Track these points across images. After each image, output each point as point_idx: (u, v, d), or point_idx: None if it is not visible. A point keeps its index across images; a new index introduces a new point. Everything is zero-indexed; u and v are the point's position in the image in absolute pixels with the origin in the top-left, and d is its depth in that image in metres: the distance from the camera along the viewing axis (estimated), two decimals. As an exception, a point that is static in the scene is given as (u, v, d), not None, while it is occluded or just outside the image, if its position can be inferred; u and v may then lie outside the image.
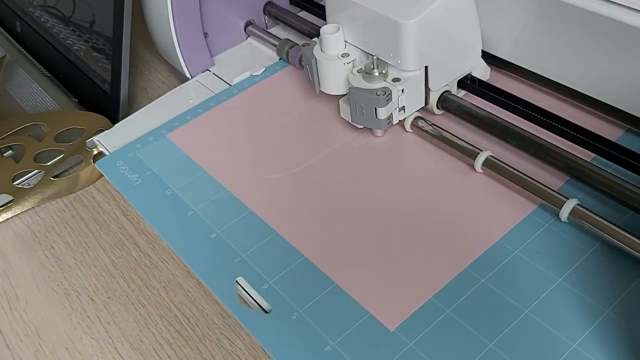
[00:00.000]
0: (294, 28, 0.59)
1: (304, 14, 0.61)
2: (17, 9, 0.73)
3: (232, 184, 0.45)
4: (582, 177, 0.40)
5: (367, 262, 0.39)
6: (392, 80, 0.44)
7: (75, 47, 0.63)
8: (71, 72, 0.64)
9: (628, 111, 0.42)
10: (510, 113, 0.45)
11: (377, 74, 0.44)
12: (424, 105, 0.47)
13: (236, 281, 0.38)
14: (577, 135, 0.42)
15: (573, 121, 0.43)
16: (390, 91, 0.43)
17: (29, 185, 0.53)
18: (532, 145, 0.42)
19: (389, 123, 0.45)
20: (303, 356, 0.34)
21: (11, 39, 0.74)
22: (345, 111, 0.47)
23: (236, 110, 0.52)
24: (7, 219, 0.51)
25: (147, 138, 0.50)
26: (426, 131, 0.46)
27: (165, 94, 0.56)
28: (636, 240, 0.36)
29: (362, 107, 0.44)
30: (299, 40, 0.58)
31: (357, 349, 0.34)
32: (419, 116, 0.47)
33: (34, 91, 0.64)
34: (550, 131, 0.43)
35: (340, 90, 0.47)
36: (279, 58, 0.57)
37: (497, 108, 0.46)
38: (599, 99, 0.43)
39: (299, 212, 0.43)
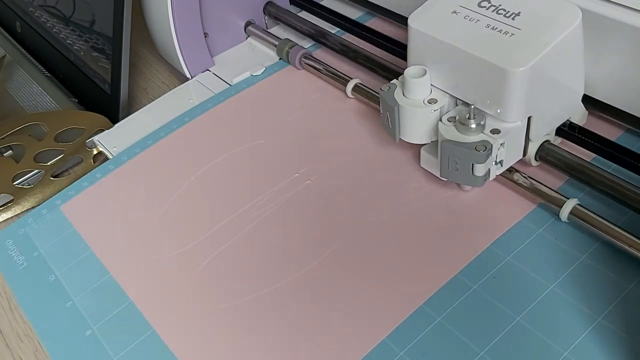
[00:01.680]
0: (294, 28, 0.59)
1: (304, 14, 0.61)
2: (17, 9, 0.73)
3: (116, 268, 0.42)
4: (582, 176, 0.40)
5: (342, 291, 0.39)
6: (491, 131, 0.38)
7: (75, 47, 0.63)
8: (71, 72, 0.64)
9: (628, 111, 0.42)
10: (610, 162, 0.41)
11: (474, 125, 0.38)
12: (521, 156, 0.41)
13: None
14: (577, 135, 0.42)
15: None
16: (491, 145, 0.38)
17: (29, 185, 0.53)
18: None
19: (485, 180, 0.40)
20: None
21: (11, 39, 0.74)
22: (429, 162, 0.43)
23: (137, 175, 0.49)
24: (7, 219, 0.51)
25: (40, 211, 0.47)
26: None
27: (165, 94, 0.56)
28: (636, 240, 0.36)
29: (456, 162, 0.39)
30: (299, 40, 0.58)
31: None
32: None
33: (34, 91, 0.64)
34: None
35: (425, 140, 0.42)
36: (279, 58, 0.57)
37: (594, 155, 0.42)
38: (599, 99, 0.43)
39: (189, 310, 0.39)
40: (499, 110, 0.38)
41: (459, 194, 0.42)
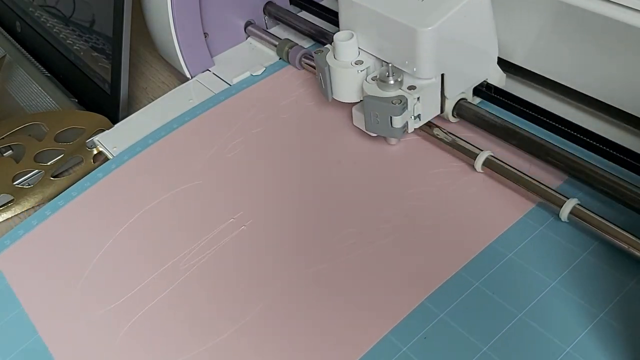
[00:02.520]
0: (294, 28, 0.59)
1: (304, 14, 0.61)
2: (17, 9, 0.73)
3: (45, 327, 0.40)
4: (582, 176, 0.40)
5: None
6: (408, 88, 0.43)
7: (75, 47, 0.63)
8: (71, 72, 0.64)
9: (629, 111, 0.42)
10: (526, 121, 0.44)
11: (392, 82, 0.42)
12: (439, 113, 0.46)
13: None
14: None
15: (575, 122, 0.43)
16: (406, 99, 0.42)
17: (29, 185, 0.53)
18: (532, 145, 0.42)
19: (404, 132, 0.44)
20: None
21: (11, 39, 0.74)
22: (358, 119, 0.46)
23: (70, 222, 0.47)
24: (7, 219, 0.51)
25: None
26: (426, 132, 0.46)
27: (166, 94, 0.56)
28: (636, 239, 0.36)
29: (377, 116, 0.43)
30: (299, 40, 0.58)
31: None
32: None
33: (34, 91, 0.64)
34: (541, 126, 0.43)
35: (354, 98, 0.46)
36: (279, 58, 0.57)
37: (512, 115, 0.45)
38: (601, 99, 0.43)
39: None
40: (414, 69, 0.42)
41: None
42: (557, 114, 0.43)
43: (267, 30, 0.61)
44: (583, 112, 0.45)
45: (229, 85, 0.55)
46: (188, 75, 0.57)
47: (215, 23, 0.57)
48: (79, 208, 0.47)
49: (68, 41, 0.64)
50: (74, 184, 0.50)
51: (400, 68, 0.43)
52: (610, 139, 0.41)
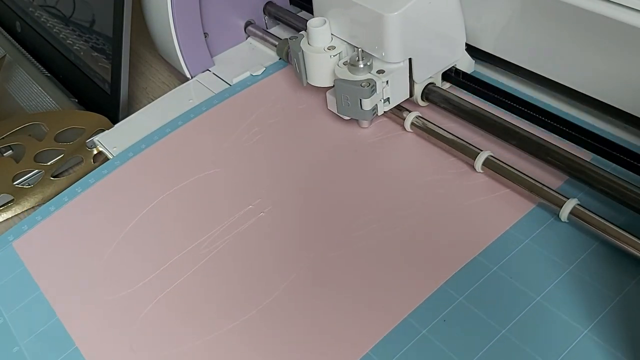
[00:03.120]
0: (294, 28, 0.59)
1: (304, 14, 0.61)
2: (17, 9, 0.73)
3: (64, 309, 0.41)
4: (582, 176, 0.40)
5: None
6: (377, 72, 0.45)
7: (75, 47, 0.63)
8: (71, 72, 0.64)
9: (623, 109, 0.42)
10: (493, 105, 0.46)
11: (362, 65, 0.44)
12: (408, 97, 0.47)
13: None
14: (577, 135, 0.42)
15: (573, 121, 0.43)
16: (375, 82, 0.44)
17: (29, 185, 0.53)
18: (532, 145, 0.42)
19: (374, 114, 0.46)
20: None
21: (11, 39, 0.74)
22: (331, 103, 0.48)
23: (96, 202, 0.48)
24: (7, 219, 0.51)
25: None
26: (426, 130, 0.46)
27: (166, 94, 0.56)
28: (636, 240, 0.36)
29: (347, 99, 0.45)
30: (298, 40, 0.58)
31: None
32: (419, 116, 0.47)
33: (34, 91, 0.64)
34: (551, 131, 0.43)
35: (327, 83, 0.48)
36: (279, 58, 0.57)
37: (481, 101, 0.47)
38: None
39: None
40: (383, 54, 0.44)
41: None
42: (524, 99, 0.45)
43: (267, 30, 0.61)
44: (551, 97, 0.47)
45: (229, 85, 0.55)
46: (188, 75, 0.57)
47: (215, 23, 0.57)
48: (94, 197, 0.48)
49: (68, 41, 0.64)
50: (73, 183, 0.50)
51: (370, 53, 0.45)
52: (577, 123, 0.43)
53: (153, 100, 0.55)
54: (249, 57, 0.58)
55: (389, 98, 0.46)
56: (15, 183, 0.53)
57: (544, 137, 0.42)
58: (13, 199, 0.52)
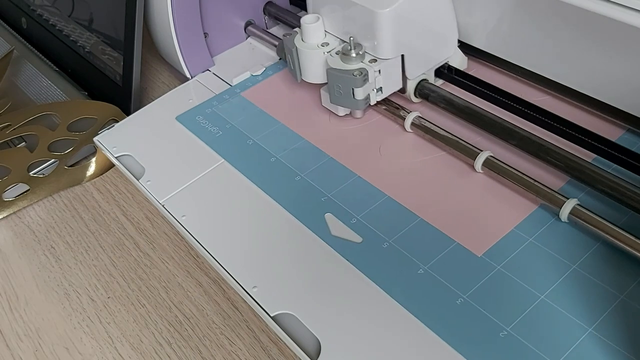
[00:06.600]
0: (294, 28, 0.59)
1: (304, 14, 0.61)
2: (22, 4, 0.73)
3: (309, 135, 0.48)
4: (582, 177, 0.40)
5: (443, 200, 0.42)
6: (369, 61, 0.45)
7: (84, 39, 0.63)
8: (80, 66, 0.64)
9: (624, 109, 0.42)
10: (486, 102, 0.47)
11: (354, 55, 0.45)
12: (400, 87, 0.48)
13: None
14: (577, 135, 0.42)
15: (573, 121, 0.43)
16: (367, 71, 0.44)
17: (44, 174, 0.53)
18: (532, 145, 0.42)
19: (366, 104, 0.46)
20: (397, 279, 0.37)
21: (17, 35, 0.74)
22: (326, 99, 0.48)
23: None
24: (23, 207, 0.51)
25: (222, 96, 0.54)
26: (426, 131, 0.46)
27: (165, 94, 0.56)
28: (636, 240, 0.36)
29: (340, 88, 0.45)
30: (299, 40, 0.58)
31: (448, 272, 0.37)
32: (419, 116, 0.47)
33: (44, 85, 0.64)
34: (551, 131, 0.43)
35: (321, 79, 0.48)
36: (279, 58, 0.57)
37: (474, 97, 0.48)
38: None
39: (374, 159, 0.45)
40: (376, 50, 0.45)
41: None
42: (516, 95, 0.45)
43: (267, 30, 0.61)
44: (545, 94, 0.47)
45: (229, 86, 0.55)
46: (188, 75, 0.57)
47: (215, 23, 0.57)
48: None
49: (76, 34, 0.64)
50: (88, 171, 0.53)
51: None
52: (568, 118, 0.43)
53: (153, 100, 0.55)
54: (249, 57, 0.58)
55: (381, 87, 0.46)
56: (30, 172, 0.53)
57: (545, 137, 0.42)
58: (29, 189, 0.52)
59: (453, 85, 0.49)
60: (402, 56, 0.46)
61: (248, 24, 0.60)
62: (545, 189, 0.40)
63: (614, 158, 0.40)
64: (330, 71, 0.45)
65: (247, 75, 0.56)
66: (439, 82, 0.50)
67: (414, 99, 0.49)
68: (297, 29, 0.49)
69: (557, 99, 0.47)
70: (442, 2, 0.46)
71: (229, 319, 0.42)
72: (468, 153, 0.43)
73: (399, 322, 0.35)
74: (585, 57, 0.42)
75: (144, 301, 0.44)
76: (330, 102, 0.47)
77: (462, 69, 0.50)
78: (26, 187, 0.52)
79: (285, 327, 0.36)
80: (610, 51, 0.40)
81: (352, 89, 0.45)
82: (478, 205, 0.41)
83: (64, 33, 0.66)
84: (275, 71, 0.56)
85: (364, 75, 0.44)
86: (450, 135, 0.45)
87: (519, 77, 0.48)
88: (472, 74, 0.49)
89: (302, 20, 0.48)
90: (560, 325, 0.34)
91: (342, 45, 0.46)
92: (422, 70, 0.48)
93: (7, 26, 0.76)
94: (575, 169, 0.40)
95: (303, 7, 0.61)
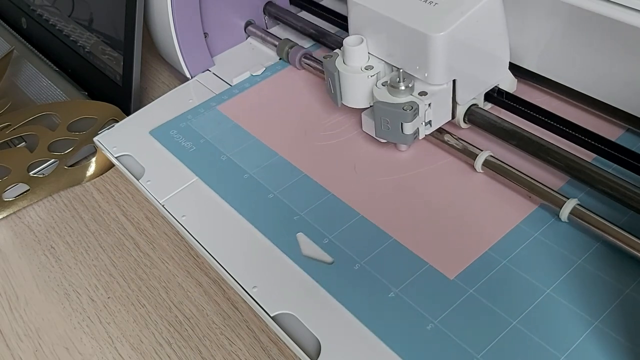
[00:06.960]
0: (294, 28, 0.59)
1: (304, 14, 0.61)
2: (22, 4, 0.73)
3: (284, 151, 0.47)
4: (582, 177, 0.40)
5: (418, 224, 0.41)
6: (419, 94, 0.42)
7: (84, 40, 0.63)
8: (80, 66, 0.64)
9: (624, 109, 0.42)
10: (537, 126, 0.44)
11: (403, 87, 0.42)
12: (451, 119, 0.45)
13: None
14: (577, 135, 0.42)
15: (573, 121, 0.43)
16: (417, 105, 0.41)
17: (44, 174, 0.53)
18: (532, 145, 0.42)
19: (415, 138, 0.43)
20: (367, 302, 0.36)
21: (17, 35, 0.74)
22: (367, 124, 0.46)
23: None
24: (23, 207, 0.51)
25: (197, 110, 0.53)
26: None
27: (165, 94, 0.56)
28: (636, 240, 0.36)
29: (387, 122, 0.42)
30: (299, 40, 0.58)
31: (419, 295, 0.36)
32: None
33: (44, 85, 0.64)
34: (551, 131, 0.43)
35: (364, 104, 0.45)
36: (279, 58, 0.57)
37: (522, 120, 0.45)
38: (599, 98, 0.43)
39: (351, 177, 0.45)
40: (426, 74, 0.42)
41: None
42: (568, 119, 0.43)
43: (267, 30, 0.61)
44: (595, 116, 0.45)
45: (229, 86, 0.55)
46: (188, 75, 0.57)
47: (215, 23, 0.57)
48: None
49: (76, 34, 0.64)
50: (88, 171, 0.53)
51: (411, 73, 0.42)
52: (568, 118, 0.42)
53: (153, 100, 0.55)
54: (249, 57, 0.58)
55: (430, 121, 0.43)
56: (30, 172, 0.53)
57: (545, 137, 0.42)
58: (29, 189, 0.52)
59: (500, 108, 0.46)
60: (454, 81, 0.43)
61: (248, 24, 0.60)
62: (545, 189, 0.40)
63: (614, 158, 0.40)
64: (377, 105, 0.42)
65: (247, 75, 0.56)
66: (488, 105, 0.47)
67: (463, 125, 0.46)
68: (337, 51, 0.46)
69: (557, 99, 0.47)
70: (497, 22, 0.42)
71: (229, 319, 0.42)
72: (468, 153, 0.43)
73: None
74: (585, 57, 0.42)
75: (144, 301, 0.44)
76: (376, 135, 0.45)
77: (511, 92, 0.46)
78: (26, 187, 0.52)
79: (285, 327, 0.36)
80: (611, 51, 0.40)
81: (401, 124, 0.42)
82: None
83: (64, 33, 0.66)
84: (275, 71, 0.56)
85: (414, 110, 0.41)
86: (449, 136, 0.45)
87: (571, 100, 0.46)
88: (523, 98, 0.45)
89: (344, 41, 0.44)
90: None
91: (390, 75, 0.43)
92: (473, 94, 0.45)
93: (7, 26, 0.76)
94: (575, 169, 0.40)
95: (303, 7, 0.61)
